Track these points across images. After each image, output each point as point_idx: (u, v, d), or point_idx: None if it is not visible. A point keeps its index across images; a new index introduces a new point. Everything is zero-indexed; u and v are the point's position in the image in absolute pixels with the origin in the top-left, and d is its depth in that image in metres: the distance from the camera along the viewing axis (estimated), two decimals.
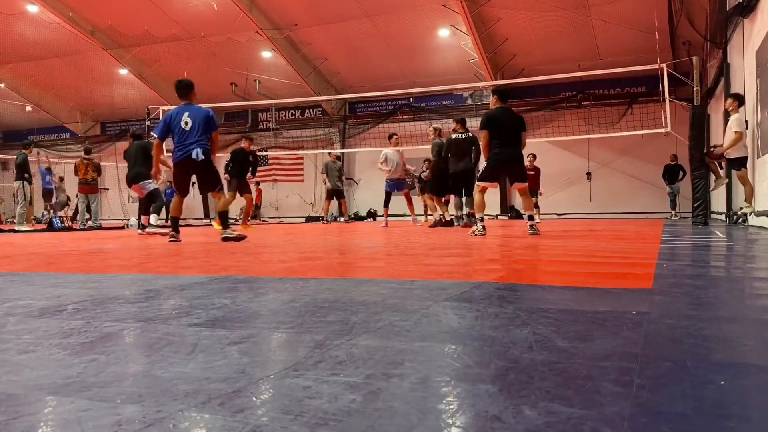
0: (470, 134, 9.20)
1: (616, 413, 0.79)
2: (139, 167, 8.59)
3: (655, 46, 12.45)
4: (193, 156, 5.72)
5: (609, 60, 14.89)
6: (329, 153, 14.24)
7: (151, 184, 8.61)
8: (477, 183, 6.33)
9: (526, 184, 6.30)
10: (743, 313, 1.68)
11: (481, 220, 6.14)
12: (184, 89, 6.09)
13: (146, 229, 8.55)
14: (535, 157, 12.10)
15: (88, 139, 21.88)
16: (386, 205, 10.79)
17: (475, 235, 5.92)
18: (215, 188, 6.04)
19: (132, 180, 8.80)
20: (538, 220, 11.07)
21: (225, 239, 5.67)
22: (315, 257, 3.74)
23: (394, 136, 10.77)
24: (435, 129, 10.13)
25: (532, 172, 11.60)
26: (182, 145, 5.80)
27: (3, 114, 21.68)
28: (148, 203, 8.83)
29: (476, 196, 6.28)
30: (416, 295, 1.94)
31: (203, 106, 6.11)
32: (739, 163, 8.03)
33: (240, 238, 5.73)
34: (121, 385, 0.96)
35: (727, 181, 9.33)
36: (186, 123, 5.79)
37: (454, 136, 9.31)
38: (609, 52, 15.53)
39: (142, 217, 8.93)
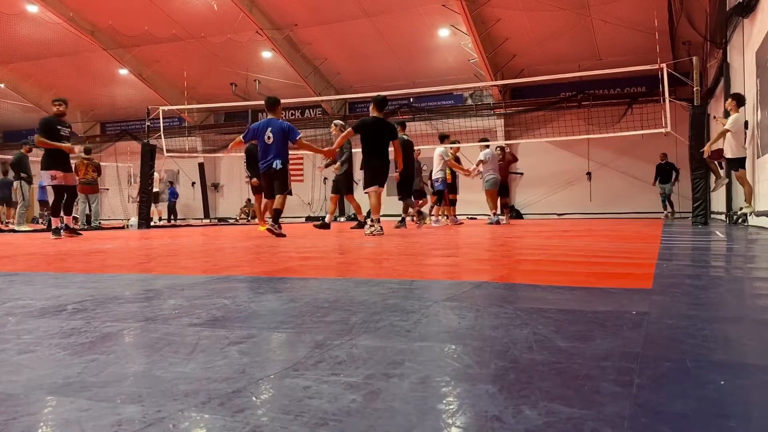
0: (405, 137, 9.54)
1: (616, 413, 0.79)
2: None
3: (655, 46, 12.46)
4: (273, 166, 6.70)
5: (609, 60, 14.89)
6: None
7: (46, 180, 7.52)
8: (367, 189, 6.90)
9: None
10: (743, 313, 1.68)
11: (378, 221, 6.68)
12: (270, 105, 6.91)
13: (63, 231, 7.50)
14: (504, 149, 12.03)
15: (88, 139, 21.88)
16: (439, 203, 10.98)
17: (374, 234, 6.40)
18: (282, 192, 6.86)
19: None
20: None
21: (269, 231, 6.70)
22: (315, 257, 3.74)
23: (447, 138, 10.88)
24: (336, 125, 9.98)
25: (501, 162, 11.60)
26: (265, 159, 6.76)
27: (3, 114, 21.67)
28: (59, 201, 7.59)
29: (372, 198, 6.85)
30: (416, 295, 1.94)
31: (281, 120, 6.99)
32: (738, 163, 8.03)
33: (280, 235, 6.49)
34: (121, 385, 0.96)
35: (727, 181, 9.33)
36: (269, 138, 6.68)
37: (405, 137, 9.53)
38: (609, 52, 15.53)
39: (65, 217, 7.66)
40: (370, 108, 7.01)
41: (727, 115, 8.49)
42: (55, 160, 7.39)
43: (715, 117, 9.91)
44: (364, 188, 6.96)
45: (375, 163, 6.87)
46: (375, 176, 6.88)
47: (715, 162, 8.83)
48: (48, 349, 1.24)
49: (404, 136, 9.36)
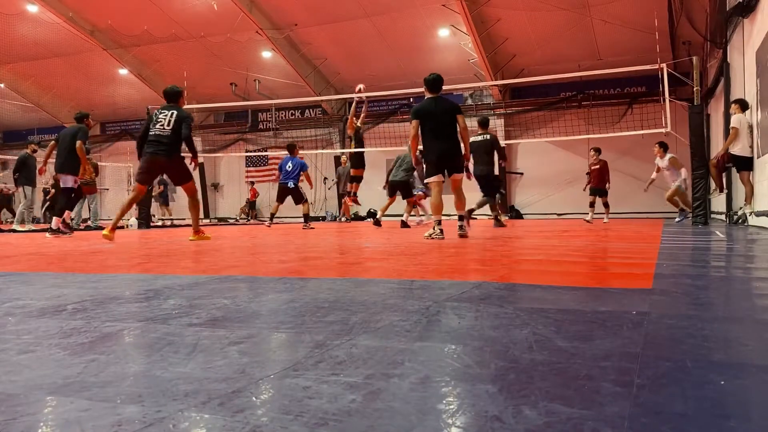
0: (489, 136, 9.10)
1: (616, 413, 0.79)
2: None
3: (655, 46, 12.45)
4: (289, 185, 10.26)
5: (609, 60, 14.87)
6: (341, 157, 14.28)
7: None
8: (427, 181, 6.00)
9: (461, 176, 5.89)
10: (743, 313, 1.68)
11: (439, 223, 5.69)
12: (288, 148, 10.65)
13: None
14: (599, 151, 11.65)
15: (88, 139, 21.86)
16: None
17: (433, 238, 5.51)
18: (299, 202, 10.49)
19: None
20: (606, 220, 11.17)
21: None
22: (315, 257, 3.74)
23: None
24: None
25: (597, 166, 11.53)
26: (283, 179, 10.38)
27: (3, 114, 21.66)
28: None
29: (433, 197, 5.91)
30: (416, 295, 1.94)
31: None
32: (744, 163, 8.00)
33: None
34: (121, 385, 0.96)
35: (726, 192, 9.35)
36: (289, 167, 10.37)
37: (474, 138, 8.82)
38: (609, 52, 15.52)
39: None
40: (425, 92, 6.00)
41: (728, 117, 8.47)
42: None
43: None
44: (426, 178, 5.97)
45: (433, 145, 5.74)
46: (436, 161, 5.75)
47: (722, 175, 8.62)
48: (48, 349, 1.24)
49: (488, 135, 9.01)
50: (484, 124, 9.31)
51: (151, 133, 6.10)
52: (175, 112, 6.13)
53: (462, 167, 5.89)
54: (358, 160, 11.87)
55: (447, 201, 6.11)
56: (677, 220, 10.39)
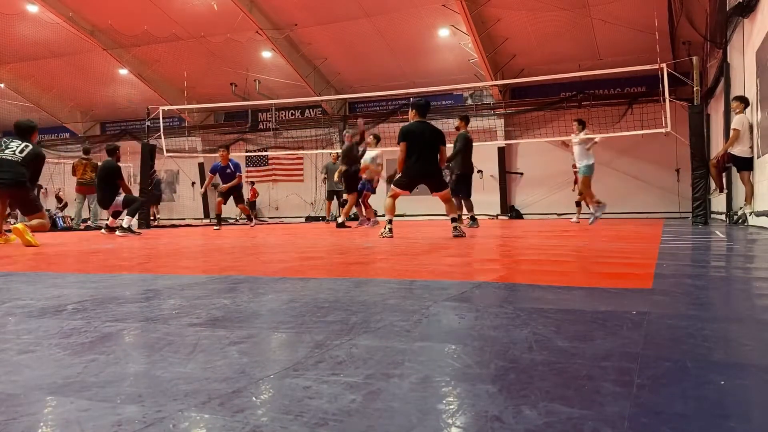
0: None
1: (616, 413, 0.79)
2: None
3: (655, 46, 12.45)
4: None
5: (609, 60, 14.87)
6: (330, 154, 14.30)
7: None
8: (392, 187, 6.32)
9: (446, 191, 6.24)
10: (743, 313, 1.68)
11: (390, 222, 6.14)
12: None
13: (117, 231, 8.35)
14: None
15: (88, 139, 21.87)
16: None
17: (383, 237, 5.92)
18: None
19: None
20: (575, 219, 11.22)
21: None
22: (315, 257, 3.74)
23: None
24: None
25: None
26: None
27: (3, 114, 21.66)
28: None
29: (388, 200, 6.29)
30: (416, 295, 1.94)
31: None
32: (744, 163, 8.00)
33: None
34: (121, 385, 0.96)
35: (725, 192, 9.34)
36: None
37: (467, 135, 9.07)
38: (609, 52, 15.52)
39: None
40: (410, 114, 6.27)
41: (728, 116, 8.46)
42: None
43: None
44: (395, 184, 6.25)
45: (413, 165, 6.04)
46: (409, 181, 6.10)
47: (722, 175, 8.59)
48: (48, 349, 1.24)
49: (465, 133, 9.06)
50: (468, 120, 9.36)
51: None
52: (30, 146, 5.86)
53: (445, 186, 6.30)
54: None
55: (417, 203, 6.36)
56: (583, 220, 10.26)
